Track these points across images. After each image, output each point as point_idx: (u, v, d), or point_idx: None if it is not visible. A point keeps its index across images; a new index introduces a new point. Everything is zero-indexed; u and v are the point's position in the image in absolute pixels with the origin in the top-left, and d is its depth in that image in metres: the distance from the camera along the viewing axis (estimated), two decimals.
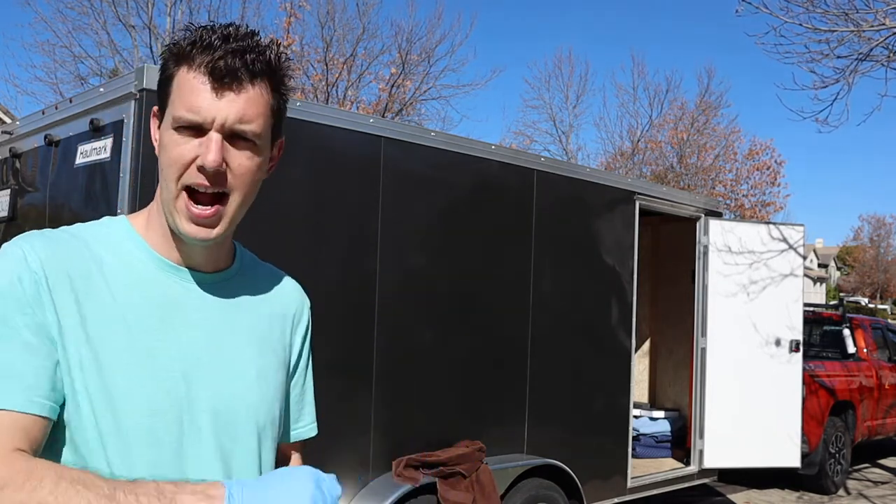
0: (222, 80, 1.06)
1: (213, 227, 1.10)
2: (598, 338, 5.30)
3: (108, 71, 13.60)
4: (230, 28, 1.08)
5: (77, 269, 1.07)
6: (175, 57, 1.09)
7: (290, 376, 1.30)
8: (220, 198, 1.09)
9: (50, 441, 1.03)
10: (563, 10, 69.88)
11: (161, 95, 1.12)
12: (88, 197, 3.44)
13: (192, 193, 1.08)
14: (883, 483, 8.54)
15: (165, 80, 1.11)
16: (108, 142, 3.28)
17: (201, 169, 1.06)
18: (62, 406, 1.03)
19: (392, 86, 16.24)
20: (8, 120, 8.58)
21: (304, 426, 1.36)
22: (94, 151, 3.38)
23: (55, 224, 3.73)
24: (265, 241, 3.63)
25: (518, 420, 4.70)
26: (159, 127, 1.13)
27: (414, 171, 4.20)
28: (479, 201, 4.53)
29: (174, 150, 1.07)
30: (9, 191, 4.13)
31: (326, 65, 15.57)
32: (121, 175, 3.15)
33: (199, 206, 1.08)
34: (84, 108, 3.52)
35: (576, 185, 5.13)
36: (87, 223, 1.17)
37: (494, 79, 40.46)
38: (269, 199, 3.65)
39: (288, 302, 1.32)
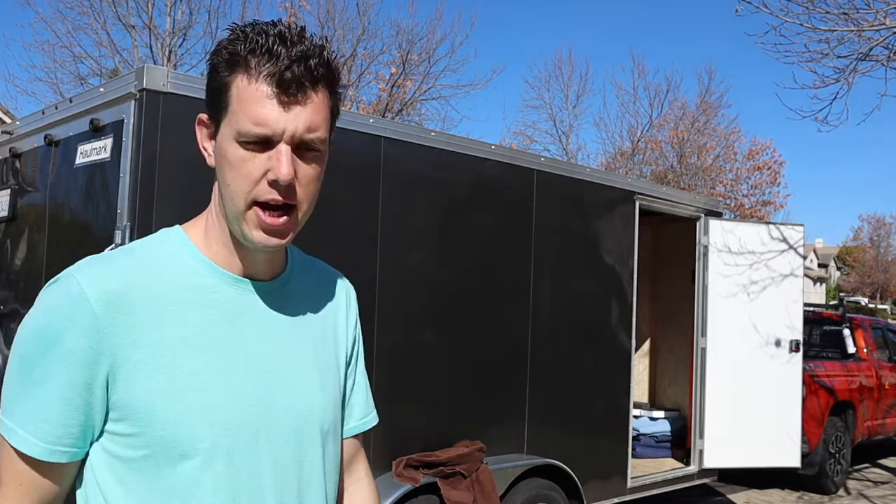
0: (289, 92, 1.01)
1: (284, 235, 1.07)
2: (598, 338, 5.30)
3: (108, 71, 13.61)
4: (281, 27, 1.04)
5: (140, 295, 1.03)
6: (228, 63, 1.03)
7: (346, 369, 1.29)
8: (288, 208, 1.06)
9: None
10: (564, 10, 69.88)
11: (214, 104, 1.06)
12: (88, 197, 3.44)
13: (263, 206, 1.05)
14: (883, 483, 8.53)
15: (219, 89, 1.04)
16: (108, 142, 3.28)
17: (273, 183, 1.02)
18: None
19: (392, 86, 16.24)
20: (8, 120, 8.58)
21: (363, 418, 1.34)
22: (94, 151, 3.38)
23: (55, 224, 3.73)
24: None
25: (518, 420, 4.70)
26: (213, 137, 1.08)
27: (414, 171, 4.20)
28: (479, 201, 4.53)
29: (242, 166, 1.03)
30: (9, 191, 4.13)
31: None
32: (121, 175, 3.15)
33: (271, 215, 1.05)
34: (84, 108, 3.51)
35: (576, 185, 5.12)
36: (143, 240, 1.13)
37: (494, 79, 40.47)
38: None
39: (338, 295, 1.30)
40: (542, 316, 4.83)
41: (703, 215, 6.17)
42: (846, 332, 8.73)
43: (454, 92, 17.89)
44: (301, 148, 1.05)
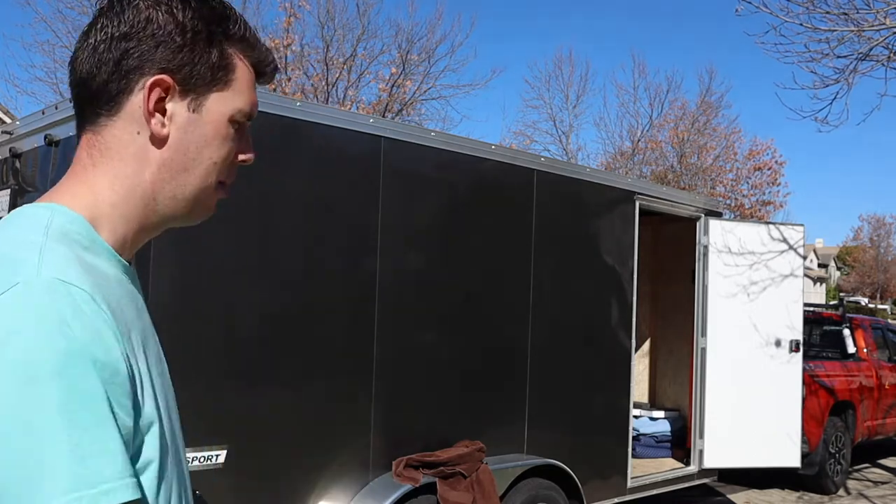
0: (271, 81, 1.05)
1: None
2: (598, 338, 5.30)
3: None
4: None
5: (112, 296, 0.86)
6: (227, 36, 0.97)
7: None
8: None
9: None
10: (564, 10, 69.90)
11: (201, 66, 0.94)
12: None
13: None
14: (883, 483, 8.53)
15: (219, 59, 0.95)
16: None
17: (240, 164, 1.02)
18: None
19: (392, 86, 16.24)
20: (8, 120, 8.58)
21: None
22: None
23: None
24: (265, 241, 3.63)
25: (518, 420, 4.70)
26: (183, 101, 0.94)
27: (414, 171, 4.20)
28: (479, 201, 4.53)
29: (227, 145, 0.99)
30: (9, 191, 4.13)
31: (326, 65, 15.58)
32: None
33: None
34: None
35: (576, 185, 5.12)
36: (39, 221, 0.89)
37: (494, 79, 40.42)
38: (269, 199, 3.66)
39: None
40: (542, 316, 4.83)
41: (703, 215, 6.17)
42: (846, 332, 8.73)
43: (454, 92, 17.88)
44: None
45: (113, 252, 0.93)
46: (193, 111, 0.95)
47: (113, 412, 0.76)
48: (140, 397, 0.83)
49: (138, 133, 0.94)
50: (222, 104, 0.96)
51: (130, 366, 0.82)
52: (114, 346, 0.79)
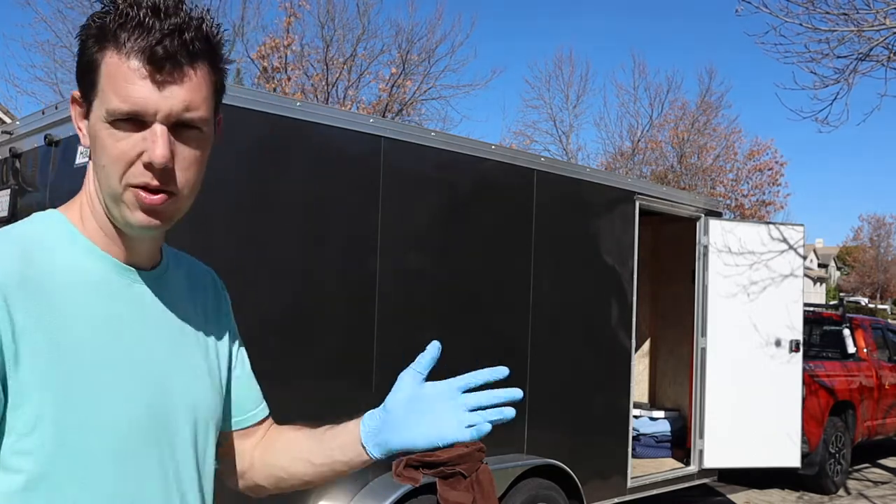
0: (162, 68, 0.94)
1: (165, 215, 1.00)
2: (598, 338, 5.31)
3: None
4: None
5: (38, 279, 0.95)
6: (98, 38, 0.96)
7: (229, 361, 1.24)
8: (166, 191, 1.00)
9: None
10: (564, 10, 69.91)
11: (84, 81, 0.99)
12: None
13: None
14: (883, 483, 8.54)
15: (89, 65, 0.97)
16: None
17: (148, 165, 0.95)
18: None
19: (392, 86, 16.23)
20: (8, 120, 8.58)
21: (252, 411, 1.29)
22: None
23: None
24: (265, 240, 3.63)
25: (518, 420, 4.68)
26: (86, 116, 1.01)
27: (414, 171, 4.20)
28: (479, 201, 4.53)
29: (114, 146, 0.96)
30: (9, 191, 4.13)
31: (326, 65, 15.57)
32: None
33: (150, 193, 0.97)
34: None
35: (576, 185, 5.13)
36: (14, 224, 1.03)
37: (495, 79, 40.45)
38: (269, 199, 3.66)
39: (208, 286, 1.24)
40: (541, 316, 4.83)
41: (703, 215, 6.17)
42: (846, 332, 8.73)
43: (454, 92, 17.90)
44: (179, 127, 0.97)
45: (92, 245, 1.03)
46: (88, 119, 1.01)
47: None
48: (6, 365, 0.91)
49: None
50: (98, 108, 0.98)
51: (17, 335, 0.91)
52: None
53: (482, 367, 1.17)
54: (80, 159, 3.49)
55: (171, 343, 1.09)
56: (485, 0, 57.41)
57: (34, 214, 1.06)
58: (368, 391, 3.90)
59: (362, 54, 16.17)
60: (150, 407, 1.02)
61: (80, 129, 1.04)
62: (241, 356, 1.29)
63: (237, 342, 1.28)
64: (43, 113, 3.98)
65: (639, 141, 22.40)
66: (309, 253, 3.77)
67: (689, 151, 21.92)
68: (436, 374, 1.17)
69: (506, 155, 4.75)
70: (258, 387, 1.31)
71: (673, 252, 7.14)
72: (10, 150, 4.15)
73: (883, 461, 9.90)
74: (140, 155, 0.96)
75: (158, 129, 0.95)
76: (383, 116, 14.20)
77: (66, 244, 1.02)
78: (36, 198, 3.91)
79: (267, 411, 1.32)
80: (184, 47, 0.95)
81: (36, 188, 3.92)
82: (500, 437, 4.56)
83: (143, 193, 0.97)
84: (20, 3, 25.95)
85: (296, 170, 3.72)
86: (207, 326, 1.18)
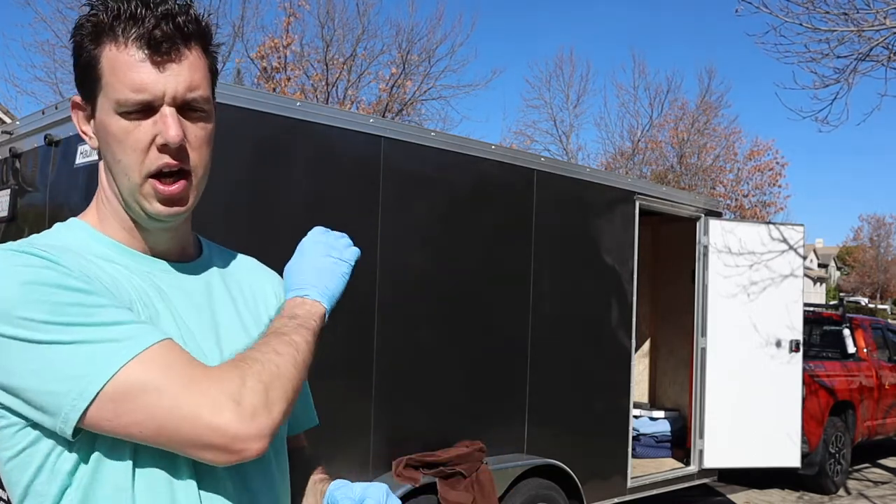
0: (161, 51, 0.98)
1: (184, 202, 1.04)
2: (598, 338, 5.30)
3: None
4: None
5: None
6: (93, 36, 1.00)
7: None
8: (183, 173, 1.03)
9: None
10: (565, 10, 69.87)
11: (86, 81, 1.02)
12: (88, 197, 3.42)
13: (157, 176, 1.02)
14: (883, 483, 8.53)
15: (89, 64, 1.01)
16: None
17: (163, 148, 0.99)
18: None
19: (392, 86, 16.24)
20: (8, 120, 8.58)
21: (304, 415, 1.29)
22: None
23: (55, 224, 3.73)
24: (265, 240, 3.63)
25: (518, 420, 4.70)
26: (91, 119, 1.05)
27: (414, 171, 4.20)
28: (480, 201, 4.53)
29: (128, 137, 1.00)
30: (9, 191, 4.12)
31: (326, 65, 15.57)
32: None
33: (167, 183, 1.02)
34: None
35: (576, 185, 5.12)
36: (45, 233, 1.08)
37: (495, 79, 40.42)
38: (269, 199, 3.66)
39: (264, 281, 1.26)
40: (542, 316, 4.83)
41: (703, 215, 6.17)
42: (846, 332, 8.73)
43: (454, 92, 17.92)
44: (186, 109, 1.01)
45: (115, 243, 1.07)
46: (95, 119, 1.04)
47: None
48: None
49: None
50: (105, 102, 1.01)
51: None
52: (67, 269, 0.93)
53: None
54: (80, 159, 3.49)
55: (220, 330, 1.11)
56: (485, 0, 57.41)
57: (56, 225, 1.10)
58: (368, 392, 3.90)
59: (362, 54, 16.19)
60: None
61: (86, 133, 1.07)
62: None
63: None
64: (43, 113, 3.97)
65: (639, 141, 22.41)
66: None
67: (689, 151, 21.93)
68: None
69: (506, 155, 4.75)
70: (308, 398, 1.32)
71: (673, 252, 7.14)
72: (10, 150, 4.15)
73: (883, 461, 9.90)
74: (153, 140, 1.00)
75: (168, 111, 0.99)
76: (383, 116, 14.20)
77: (92, 245, 1.06)
78: (36, 198, 3.91)
79: (311, 424, 1.32)
80: (178, 30, 0.99)
81: (36, 188, 3.92)
82: (500, 437, 4.56)
83: (160, 186, 1.01)
84: (20, 3, 25.96)
85: (296, 170, 3.72)
86: (259, 321, 1.17)
